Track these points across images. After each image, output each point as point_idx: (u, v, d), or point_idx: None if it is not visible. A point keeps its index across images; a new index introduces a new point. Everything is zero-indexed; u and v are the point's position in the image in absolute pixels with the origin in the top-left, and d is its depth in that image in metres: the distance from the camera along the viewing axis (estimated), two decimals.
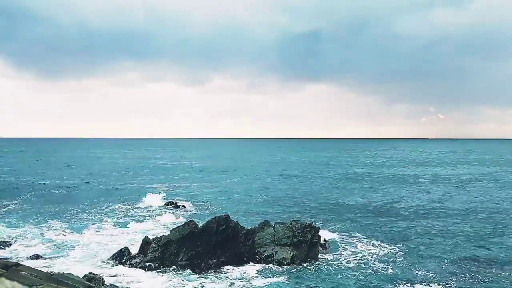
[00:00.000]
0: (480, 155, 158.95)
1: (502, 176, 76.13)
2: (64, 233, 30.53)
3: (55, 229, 31.73)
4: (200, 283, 21.06)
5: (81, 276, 17.76)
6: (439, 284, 21.07)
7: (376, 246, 27.83)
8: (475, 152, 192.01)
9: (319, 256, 25.25)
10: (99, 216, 36.74)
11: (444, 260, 25.05)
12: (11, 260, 10.32)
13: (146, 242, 25.47)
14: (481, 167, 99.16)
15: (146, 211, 40.02)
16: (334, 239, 29.34)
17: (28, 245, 27.49)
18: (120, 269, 22.99)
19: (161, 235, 27.00)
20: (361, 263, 24.45)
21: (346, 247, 27.69)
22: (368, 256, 25.82)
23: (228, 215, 26.53)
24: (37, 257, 24.68)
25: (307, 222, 26.76)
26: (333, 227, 33.36)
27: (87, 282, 10.47)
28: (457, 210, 41.31)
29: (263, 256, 24.71)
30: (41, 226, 32.64)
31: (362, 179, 70.89)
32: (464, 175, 77.28)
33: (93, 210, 39.61)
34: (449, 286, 20.88)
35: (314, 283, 21.36)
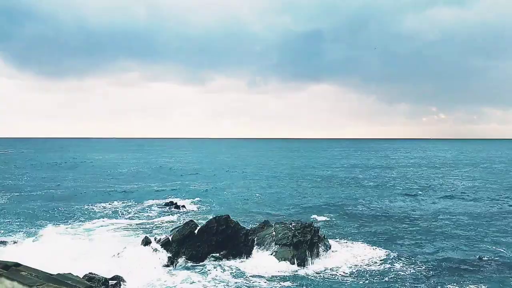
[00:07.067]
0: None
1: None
2: (64, 233, 30.53)
3: (55, 229, 31.70)
4: (200, 283, 21.08)
5: (81, 276, 17.77)
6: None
7: (377, 248, 27.68)
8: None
9: (319, 256, 25.24)
10: (99, 217, 36.74)
11: (446, 264, 25.05)
12: (11, 260, 10.31)
13: (146, 242, 25.51)
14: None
15: (146, 211, 40.05)
16: (334, 239, 29.31)
17: (28, 245, 27.46)
18: (120, 269, 22.98)
19: (161, 235, 27.04)
20: (361, 264, 24.45)
21: (346, 247, 27.66)
22: (369, 257, 25.77)
23: (228, 215, 26.58)
24: (37, 257, 24.67)
25: (307, 222, 26.78)
26: (333, 227, 33.36)
27: (87, 282, 10.48)
28: (464, 214, 41.20)
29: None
30: (41, 226, 32.62)
31: (364, 179, 70.85)
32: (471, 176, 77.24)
33: (93, 211, 39.65)
34: None
35: (314, 283, 21.38)
